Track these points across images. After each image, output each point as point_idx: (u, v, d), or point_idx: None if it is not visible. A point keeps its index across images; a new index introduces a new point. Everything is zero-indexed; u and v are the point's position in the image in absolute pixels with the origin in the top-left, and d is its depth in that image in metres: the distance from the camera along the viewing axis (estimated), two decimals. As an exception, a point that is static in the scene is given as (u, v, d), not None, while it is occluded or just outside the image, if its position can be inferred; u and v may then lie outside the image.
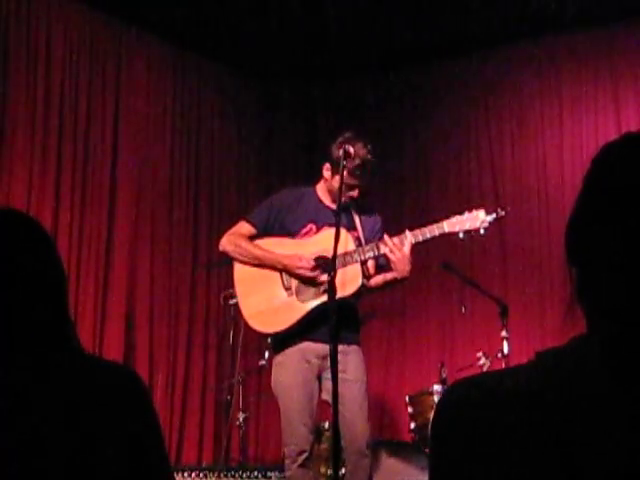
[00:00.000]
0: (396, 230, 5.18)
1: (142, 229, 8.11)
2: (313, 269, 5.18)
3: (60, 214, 7.43)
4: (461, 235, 5.08)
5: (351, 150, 5.05)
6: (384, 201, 8.00)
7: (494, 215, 5.11)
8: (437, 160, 8.96)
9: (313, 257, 5.22)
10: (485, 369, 6.37)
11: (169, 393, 8.05)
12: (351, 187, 5.19)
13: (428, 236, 5.03)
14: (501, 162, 8.60)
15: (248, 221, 5.42)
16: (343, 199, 5.04)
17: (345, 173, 5.04)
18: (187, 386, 8.26)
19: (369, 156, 5.16)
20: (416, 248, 5.09)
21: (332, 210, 5.13)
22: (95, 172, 7.78)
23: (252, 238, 5.36)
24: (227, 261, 5.47)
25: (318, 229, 5.29)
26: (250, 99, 9.33)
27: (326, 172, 5.34)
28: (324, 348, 5.09)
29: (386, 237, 5.06)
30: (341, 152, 5.04)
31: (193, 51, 8.74)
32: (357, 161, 5.11)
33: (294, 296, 5.23)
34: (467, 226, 5.06)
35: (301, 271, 5.19)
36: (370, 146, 5.21)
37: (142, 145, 8.20)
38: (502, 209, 5.19)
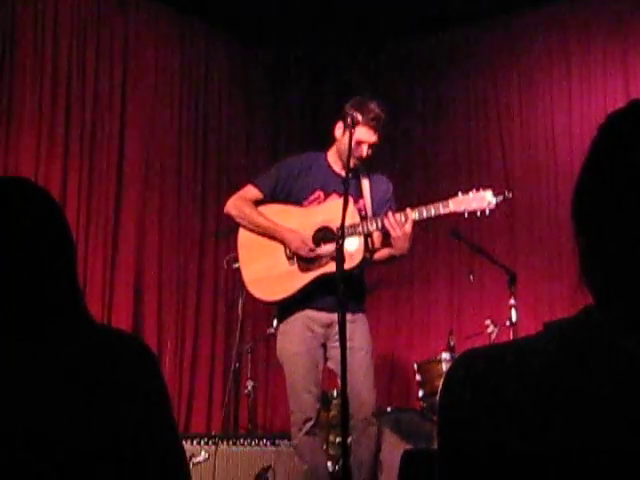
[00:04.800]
0: (404, 203, 5.18)
1: (150, 197, 8.10)
2: (311, 250, 5.20)
3: (68, 183, 7.44)
4: (466, 215, 5.06)
5: (359, 118, 5.07)
6: (393, 173, 7.96)
7: (501, 197, 5.09)
8: (445, 132, 8.93)
9: (315, 229, 5.23)
10: (493, 337, 6.38)
11: (178, 362, 8.08)
12: (362, 142, 5.18)
13: (433, 214, 5.02)
14: (510, 133, 8.57)
15: (255, 186, 5.42)
16: (353, 161, 5.06)
17: (360, 127, 5.07)
18: (196, 355, 8.28)
19: (382, 113, 5.18)
20: (424, 220, 5.09)
21: (341, 177, 5.12)
22: (103, 141, 7.78)
23: (258, 203, 5.37)
24: (235, 229, 5.47)
25: (326, 197, 5.29)
26: (258, 68, 9.30)
27: (337, 130, 5.35)
28: (328, 317, 5.12)
29: (390, 213, 5.05)
30: (350, 116, 5.05)
31: (201, 20, 8.71)
32: (371, 114, 5.13)
33: (295, 265, 5.24)
34: (473, 206, 5.04)
35: (300, 251, 5.20)
36: (383, 106, 5.23)
37: (150, 115, 8.19)
38: (509, 191, 5.18)
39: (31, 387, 1.76)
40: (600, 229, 1.25)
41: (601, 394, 1.16)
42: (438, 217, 5.09)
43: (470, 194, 5.05)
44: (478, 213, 5.07)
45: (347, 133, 5.08)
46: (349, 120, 5.06)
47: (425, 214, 5.02)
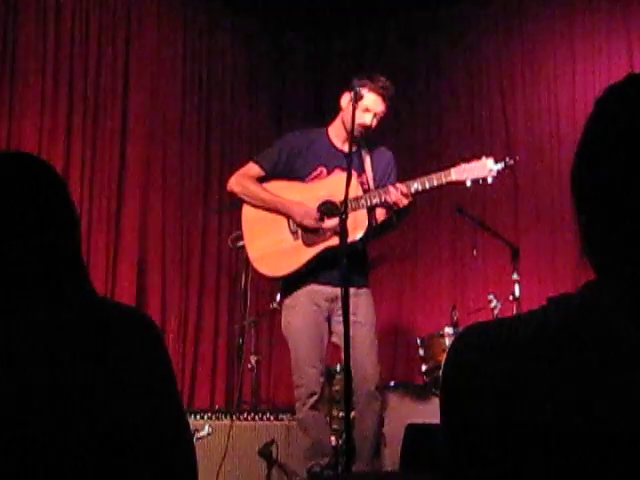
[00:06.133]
0: (408, 174, 5.18)
1: (153, 172, 8.10)
2: (317, 220, 5.20)
3: (71, 158, 7.44)
4: (468, 183, 5.07)
5: (363, 92, 5.08)
6: (396, 146, 7.95)
7: (502, 164, 5.10)
8: (449, 105, 8.91)
9: (319, 203, 5.23)
10: (496, 312, 6.38)
11: (181, 336, 8.09)
12: (368, 111, 5.19)
13: (435, 184, 5.03)
14: (513, 106, 8.54)
15: (257, 163, 5.43)
16: (357, 131, 5.09)
17: (366, 92, 5.10)
18: (199, 329, 8.30)
19: (390, 85, 5.21)
20: (427, 191, 5.09)
21: (343, 153, 5.13)
22: (106, 116, 7.77)
23: (261, 180, 5.37)
24: (238, 204, 5.48)
25: (329, 172, 5.30)
26: (262, 44, 9.27)
27: (343, 100, 5.35)
28: (333, 291, 5.13)
29: (391, 187, 5.05)
30: (353, 93, 5.06)
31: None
32: (380, 83, 5.14)
33: (300, 240, 5.25)
34: (475, 174, 5.05)
35: (305, 221, 5.20)
36: (390, 81, 5.26)
37: (153, 90, 8.17)
38: (511, 158, 5.18)
39: (32, 360, 1.77)
40: (599, 205, 1.24)
41: (602, 367, 1.16)
42: (441, 187, 5.10)
43: (472, 162, 5.06)
44: (480, 181, 5.07)
45: (353, 103, 5.10)
46: (355, 91, 5.08)
47: (428, 185, 5.03)
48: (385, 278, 8.52)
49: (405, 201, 5.00)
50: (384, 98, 5.22)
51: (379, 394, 5.22)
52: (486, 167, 5.06)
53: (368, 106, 5.19)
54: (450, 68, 8.93)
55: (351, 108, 5.10)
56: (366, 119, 5.22)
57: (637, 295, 1.19)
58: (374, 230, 5.30)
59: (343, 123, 5.33)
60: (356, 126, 5.12)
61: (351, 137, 4.95)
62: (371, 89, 5.15)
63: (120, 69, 7.91)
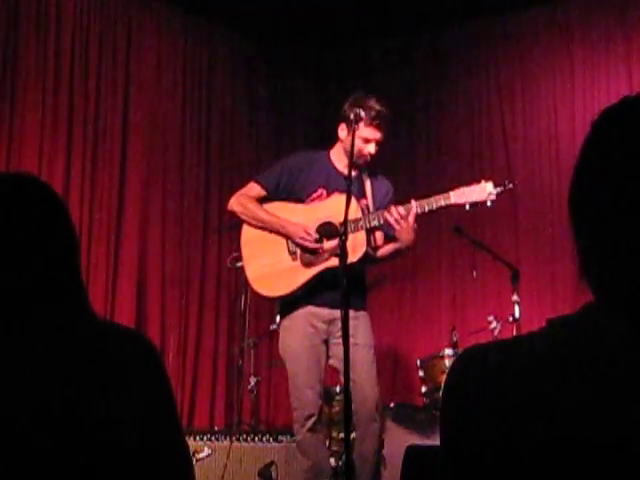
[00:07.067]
0: (406, 197, 5.19)
1: (153, 193, 8.10)
2: (315, 241, 5.20)
3: (71, 178, 7.44)
4: (467, 207, 5.08)
5: (362, 114, 5.08)
6: (395, 168, 7.97)
7: (501, 188, 5.12)
8: (448, 126, 8.93)
9: (318, 224, 5.23)
10: (496, 333, 6.38)
11: (181, 358, 8.07)
12: (368, 141, 5.20)
13: (434, 206, 5.04)
14: (512, 126, 8.56)
15: (258, 182, 5.43)
16: (359, 160, 5.11)
17: (363, 127, 5.09)
18: (199, 350, 8.28)
19: (383, 109, 5.19)
20: (426, 214, 5.10)
21: (344, 176, 5.13)
22: (106, 137, 7.77)
23: (261, 200, 5.38)
24: (238, 225, 5.48)
25: (329, 194, 5.30)
26: (261, 64, 9.29)
27: (341, 132, 5.35)
28: (330, 313, 5.13)
29: (392, 207, 5.07)
30: (352, 116, 5.06)
31: (204, 15, 8.69)
32: (373, 113, 5.14)
33: (298, 261, 5.25)
34: (474, 198, 5.07)
35: (304, 242, 5.21)
36: (382, 101, 5.24)
37: (153, 110, 8.18)
38: (510, 182, 5.20)
39: (29, 381, 1.76)
40: (597, 228, 1.24)
41: (601, 389, 1.16)
42: (440, 210, 5.11)
43: (471, 186, 5.08)
44: (479, 204, 5.09)
45: (351, 132, 5.11)
46: (352, 118, 5.08)
47: (427, 207, 5.04)
48: (385, 299, 8.52)
49: (404, 224, 5.01)
50: (380, 126, 5.22)
51: (378, 416, 5.20)
52: (485, 191, 5.07)
53: (367, 137, 5.20)
54: (450, 90, 8.94)
55: (350, 139, 5.11)
56: (370, 149, 5.24)
57: (636, 317, 1.19)
58: (374, 253, 5.31)
59: (344, 151, 5.33)
60: (361, 157, 5.16)
61: (351, 161, 4.95)
62: (366, 122, 5.15)
63: (120, 89, 7.92)
